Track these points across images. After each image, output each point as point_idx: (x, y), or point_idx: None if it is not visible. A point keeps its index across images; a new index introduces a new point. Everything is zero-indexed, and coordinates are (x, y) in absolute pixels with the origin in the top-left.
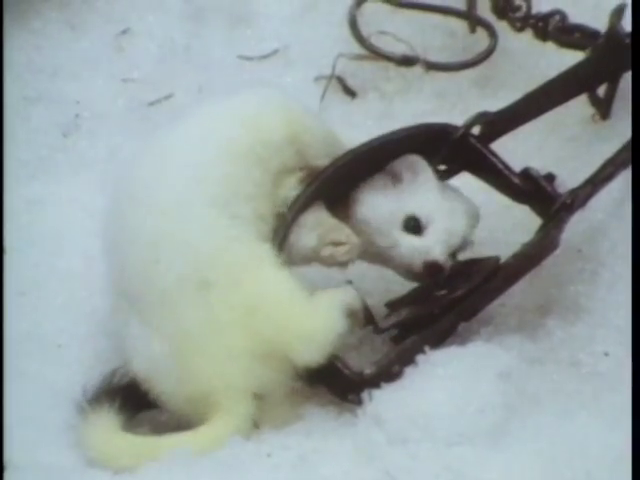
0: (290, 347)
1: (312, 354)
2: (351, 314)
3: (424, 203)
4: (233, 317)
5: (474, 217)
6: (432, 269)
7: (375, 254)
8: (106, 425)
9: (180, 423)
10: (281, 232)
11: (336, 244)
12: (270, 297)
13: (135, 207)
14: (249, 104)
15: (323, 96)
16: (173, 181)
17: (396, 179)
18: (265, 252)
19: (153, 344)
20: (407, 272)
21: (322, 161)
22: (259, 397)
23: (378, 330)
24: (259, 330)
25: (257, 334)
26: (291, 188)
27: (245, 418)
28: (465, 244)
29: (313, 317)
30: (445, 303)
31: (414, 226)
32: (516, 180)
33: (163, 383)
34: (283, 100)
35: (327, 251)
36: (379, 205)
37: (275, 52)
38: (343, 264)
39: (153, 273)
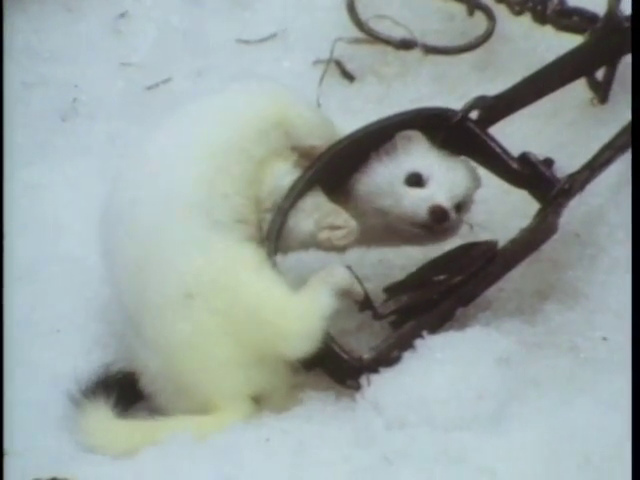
0: (279, 344)
1: (302, 346)
2: (343, 292)
3: (423, 161)
4: (218, 324)
5: (475, 178)
6: (437, 214)
7: (377, 228)
8: (102, 414)
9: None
10: (279, 217)
11: (333, 228)
12: (251, 299)
13: (120, 225)
14: (230, 97)
15: (321, 80)
16: (152, 193)
17: (391, 150)
18: (244, 254)
19: (148, 359)
20: (413, 225)
21: (313, 141)
22: (257, 397)
23: (377, 316)
24: (246, 334)
25: (245, 338)
26: (285, 174)
27: (244, 413)
28: (468, 199)
29: (297, 310)
30: (443, 288)
31: (416, 181)
32: (514, 165)
33: (162, 396)
34: (270, 87)
35: (324, 235)
36: (379, 172)
37: (273, 36)
38: (340, 248)
39: (141, 290)
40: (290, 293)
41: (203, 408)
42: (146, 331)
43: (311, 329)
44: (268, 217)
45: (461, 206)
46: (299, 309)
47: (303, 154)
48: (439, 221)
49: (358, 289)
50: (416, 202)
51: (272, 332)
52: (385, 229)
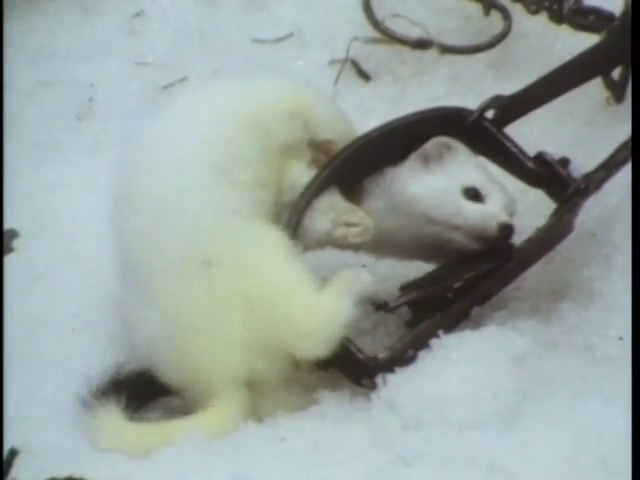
0: (294, 342)
1: (316, 350)
2: (365, 298)
3: (475, 176)
4: (234, 303)
5: (507, 190)
6: (507, 230)
7: (410, 235)
8: (113, 417)
9: (191, 407)
10: (295, 216)
11: (349, 225)
12: (275, 288)
13: (138, 171)
14: (256, 81)
15: (337, 79)
16: (174, 145)
17: (434, 158)
18: (273, 235)
19: (152, 318)
20: (477, 238)
21: (330, 135)
22: (252, 384)
23: (387, 309)
24: (260, 321)
25: (257, 324)
26: (301, 173)
27: (241, 402)
28: (515, 213)
29: (318, 313)
30: (458, 286)
31: (475, 195)
32: (530, 164)
33: (160, 358)
34: (291, 80)
35: (340, 232)
36: (430, 181)
37: (289, 35)
38: (356, 246)
39: (155, 243)
40: (317, 292)
41: (198, 379)
42: (154, 289)
43: (330, 334)
44: (285, 213)
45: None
46: (323, 311)
47: (319, 149)
48: (506, 238)
49: (379, 296)
50: (485, 217)
51: (290, 329)
52: (418, 235)
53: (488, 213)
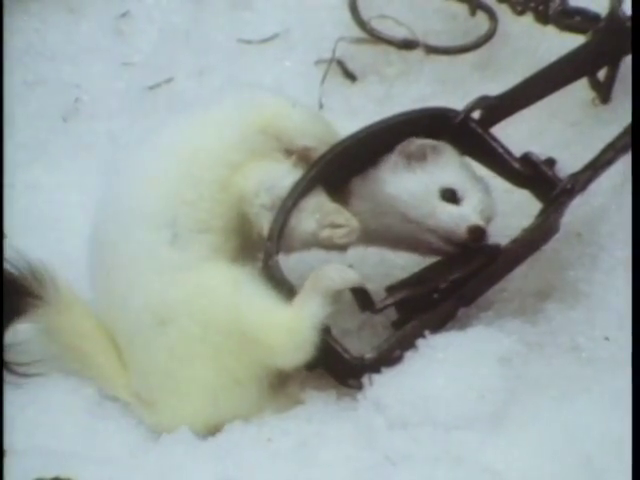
0: (269, 360)
1: (294, 358)
2: (337, 292)
3: (456, 178)
4: (195, 350)
5: (490, 193)
6: (476, 233)
7: (394, 233)
8: None
9: None
10: (281, 217)
11: (335, 226)
12: (230, 319)
13: (93, 244)
14: (214, 109)
15: (323, 80)
16: (119, 209)
17: (416, 158)
18: (215, 273)
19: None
20: (447, 241)
21: (306, 142)
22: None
23: (374, 310)
24: (226, 356)
25: (224, 360)
26: (285, 173)
27: None
28: (492, 217)
29: (283, 323)
30: (444, 285)
31: (451, 197)
32: (516, 164)
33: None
34: (259, 96)
35: (326, 233)
36: (409, 181)
37: (275, 36)
38: (342, 247)
39: (114, 312)
40: (274, 305)
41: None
42: (124, 351)
43: (301, 340)
44: (264, 212)
45: (488, 222)
46: (286, 322)
47: (301, 156)
48: (477, 240)
49: (353, 282)
50: (455, 220)
51: (261, 349)
52: (399, 234)
53: (459, 215)
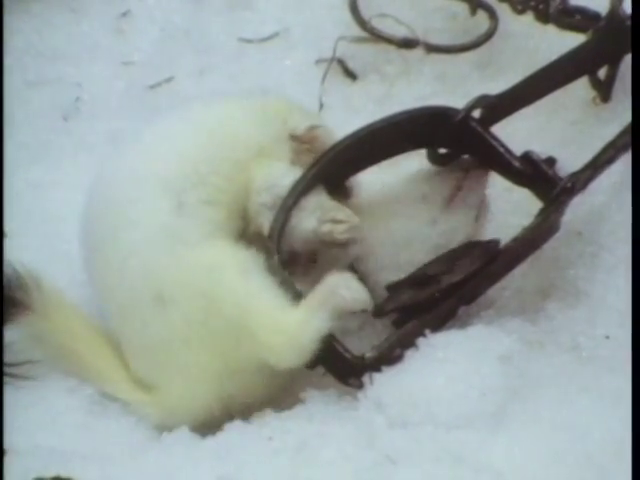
0: (266, 358)
1: (289, 360)
2: (344, 312)
3: None
4: (194, 334)
5: None
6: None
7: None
8: None
9: None
10: (282, 216)
11: (335, 222)
12: (234, 310)
13: (97, 206)
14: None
15: (324, 79)
16: (128, 172)
17: None
18: (229, 255)
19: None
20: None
21: (311, 121)
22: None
23: (378, 314)
24: (226, 346)
25: (224, 350)
26: (285, 172)
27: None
28: None
29: (288, 326)
30: (445, 286)
31: None
32: (517, 163)
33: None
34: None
35: (326, 228)
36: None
37: (276, 35)
38: (343, 244)
39: (110, 283)
40: (281, 305)
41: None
42: (119, 331)
43: (301, 348)
44: (264, 211)
45: None
46: (290, 327)
47: (304, 139)
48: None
49: (363, 305)
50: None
51: (259, 346)
52: None
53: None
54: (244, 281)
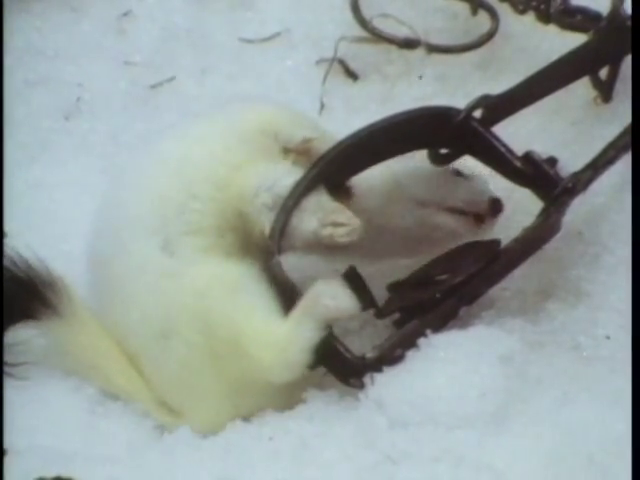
0: (260, 374)
1: (283, 376)
2: (331, 321)
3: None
4: (201, 359)
5: None
6: (497, 204)
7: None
8: None
9: None
10: (282, 216)
11: (336, 225)
12: (227, 330)
13: (90, 258)
14: (215, 115)
15: (325, 79)
16: (113, 219)
17: None
18: (212, 278)
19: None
20: (464, 218)
21: (305, 133)
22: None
23: (380, 315)
24: (229, 365)
25: (228, 369)
26: (286, 173)
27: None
28: None
29: (276, 341)
30: (447, 287)
31: (459, 173)
32: (518, 163)
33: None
34: (255, 103)
35: (327, 231)
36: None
37: (277, 35)
38: (344, 246)
39: (119, 331)
40: (270, 318)
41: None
42: (136, 360)
43: (291, 362)
44: (265, 211)
45: None
46: (278, 340)
47: (299, 152)
48: (497, 213)
49: (348, 312)
50: (476, 193)
51: (253, 363)
52: (409, 224)
53: (477, 189)
54: (232, 301)
